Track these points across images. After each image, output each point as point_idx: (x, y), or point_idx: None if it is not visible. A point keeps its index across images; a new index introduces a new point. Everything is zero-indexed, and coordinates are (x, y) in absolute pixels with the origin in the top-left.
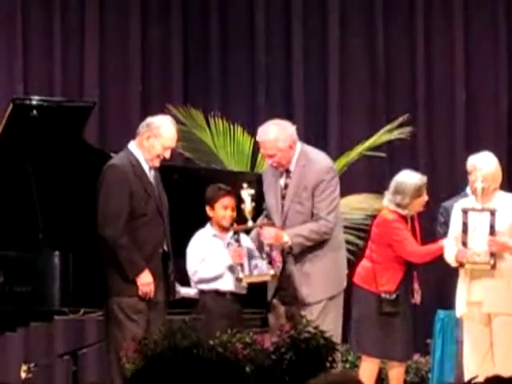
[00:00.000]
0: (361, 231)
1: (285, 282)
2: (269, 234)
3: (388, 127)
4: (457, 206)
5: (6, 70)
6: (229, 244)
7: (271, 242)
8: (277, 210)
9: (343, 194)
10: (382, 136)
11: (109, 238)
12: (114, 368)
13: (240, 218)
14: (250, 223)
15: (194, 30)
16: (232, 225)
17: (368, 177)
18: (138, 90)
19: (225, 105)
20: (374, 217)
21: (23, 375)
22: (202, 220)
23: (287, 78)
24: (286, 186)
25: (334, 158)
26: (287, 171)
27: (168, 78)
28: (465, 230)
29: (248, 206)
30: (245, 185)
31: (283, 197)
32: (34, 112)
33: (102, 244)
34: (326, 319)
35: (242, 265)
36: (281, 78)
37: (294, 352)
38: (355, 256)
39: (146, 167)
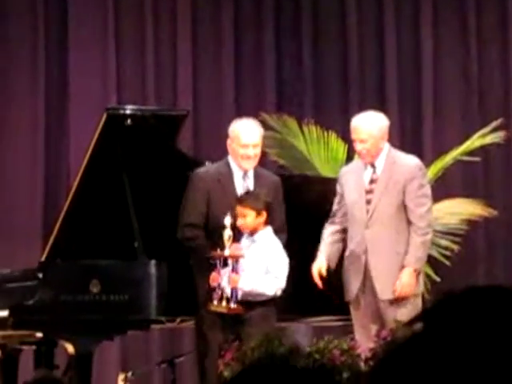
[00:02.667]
0: (456, 236)
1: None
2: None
3: (482, 132)
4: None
5: (99, 80)
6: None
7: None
8: (360, 206)
9: (438, 198)
10: (476, 140)
11: (180, 241)
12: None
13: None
14: (226, 252)
15: (287, 37)
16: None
17: (462, 181)
18: (232, 98)
19: (318, 112)
20: (468, 221)
21: None
22: (302, 226)
23: (380, 84)
24: (372, 181)
25: (429, 162)
26: (372, 166)
27: (262, 85)
28: None
29: (225, 234)
30: (227, 213)
31: (369, 191)
32: (128, 121)
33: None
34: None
35: (214, 289)
36: (374, 85)
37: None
38: (451, 261)
39: (237, 176)
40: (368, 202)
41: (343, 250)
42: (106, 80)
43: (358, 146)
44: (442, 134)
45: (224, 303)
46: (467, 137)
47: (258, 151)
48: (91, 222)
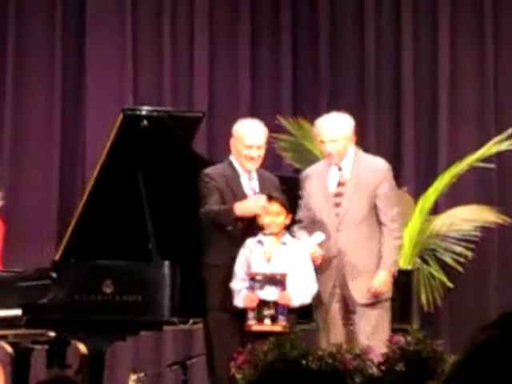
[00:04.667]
0: (470, 242)
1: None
2: (282, 297)
3: (497, 138)
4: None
5: (116, 80)
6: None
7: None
8: (328, 210)
9: (452, 205)
10: (491, 147)
11: (200, 216)
12: (210, 379)
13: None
14: (267, 271)
15: (303, 40)
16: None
17: (477, 188)
18: (248, 100)
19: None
20: (482, 228)
21: None
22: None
23: (396, 89)
24: (339, 184)
25: (444, 168)
26: (339, 169)
27: (277, 88)
28: None
29: (267, 251)
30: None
31: (338, 195)
32: (144, 122)
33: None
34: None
35: (253, 310)
36: (390, 90)
37: (404, 363)
38: (464, 268)
39: (244, 177)
40: (337, 205)
41: None
42: (123, 80)
43: (328, 147)
44: (458, 140)
45: (268, 321)
46: (483, 143)
47: (261, 152)
48: (106, 223)
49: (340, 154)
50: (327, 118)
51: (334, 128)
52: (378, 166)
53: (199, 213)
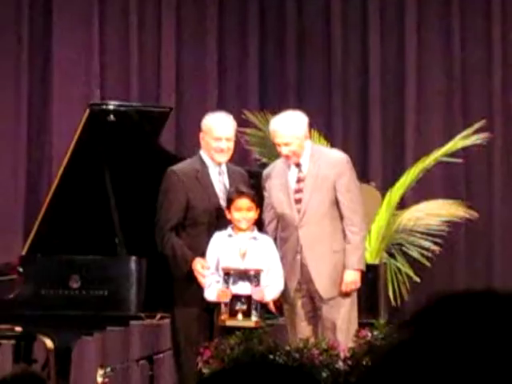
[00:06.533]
0: (437, 237)
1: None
2: (256, 292)
3: (465, 133)
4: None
5: (82, 75)
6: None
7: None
8: (290, 206)
9: (419, 199)
10: (458, 142)
11: (158, 245)
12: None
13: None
14: (241, 265)
15: (270, 34)
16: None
17: (444, 183)
18: (215, 95)
19: (301, 110)
20: (449, 223)
21: (99, 380)
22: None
23: (363, 83)
24: (299, 180)
25: (411, 163)
26: (297, 165)
27: (244, 81)
28: None
29: (242, 247)
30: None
31: (298, 191)
32: (111, 117)
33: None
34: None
35: (226, 305)
36: (356, 85)
37: (370, 357)
38: (431, 262)
39: (213, 171)
40: (297, 201)
41: None
42: (90, 75)
43: (284, 150)
44: (425, 134)
45: (240, 316)
46: (449, 138)
47: (231, 144)
48: (72, 218)
49: (296, 153)
50: (280, 120)
51: (287, 130)
52: (335, 159)
53: (158, 234)
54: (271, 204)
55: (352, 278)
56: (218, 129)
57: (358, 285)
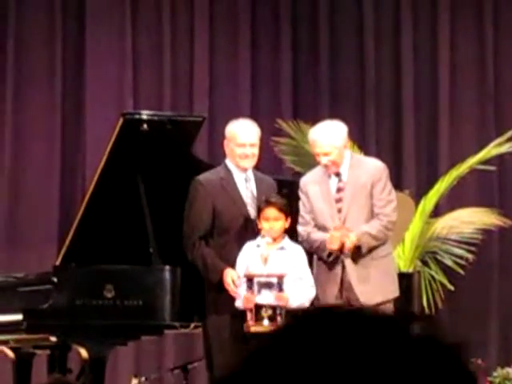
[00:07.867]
0: (471, 245)
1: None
2: (279, 297)
3: (498, 140)
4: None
5: (116, 84)
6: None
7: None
8: (331, 215)
9: (452, 207)
10: (492, 149)
11: (187, 255)
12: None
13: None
14: (264, 270)
15: (303, 42)
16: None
17: (478, 190)
18: (248, 104)
19: (334, 118)
20: (483, 230)
21: None
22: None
23: (397, 93)
24: (339, 190)
25: (445, 171)
26: (337, 174)
27: (278, 91)
28: None
29: (264, 252)
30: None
31: (338, 200)
32: (145, 126)
33: None
34: None
35: (251, 311)
36: (390, 93)
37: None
38: (465, 270)
39: (239, 178)
40: (339, 210)
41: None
42: (123, 84)
43: (323, 160)
44: (458, 142)
45: (266, 322)
46: (482, 146)
47: (255, 150)
48: (106, 227)
49: (335, 163)
50: (319, 129)
51: (327, 141)
52: (373, 167)
53: (186, 244)
54: (311, 211)
55: (353, 240)
56: (242, 135)
57: (349, 247)
